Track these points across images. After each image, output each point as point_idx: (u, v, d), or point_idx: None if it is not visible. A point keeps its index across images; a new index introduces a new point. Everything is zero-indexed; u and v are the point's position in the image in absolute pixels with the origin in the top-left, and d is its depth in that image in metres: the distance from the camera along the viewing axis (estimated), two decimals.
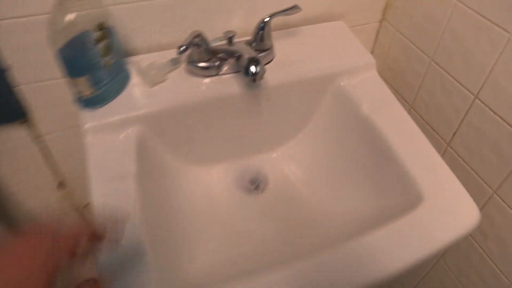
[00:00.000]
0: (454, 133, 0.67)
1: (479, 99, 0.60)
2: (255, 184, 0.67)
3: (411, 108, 0.76)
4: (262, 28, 0.60)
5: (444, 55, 0.65)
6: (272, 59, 0.65)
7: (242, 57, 0.55)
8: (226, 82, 0.62)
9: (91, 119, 0.56)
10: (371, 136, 0.61)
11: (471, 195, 0.53)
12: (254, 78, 0.53)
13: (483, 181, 0.63)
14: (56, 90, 0.62)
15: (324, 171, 0.68)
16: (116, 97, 0.58)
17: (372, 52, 0.83)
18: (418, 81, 0.72)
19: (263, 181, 0.69)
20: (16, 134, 0.66)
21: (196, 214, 0.62)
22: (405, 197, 0.55)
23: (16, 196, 0.74)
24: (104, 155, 0.55)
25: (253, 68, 0.53)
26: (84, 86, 0.54)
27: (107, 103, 0.58)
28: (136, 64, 0.61)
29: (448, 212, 0.51)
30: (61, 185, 0.76)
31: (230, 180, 0.69)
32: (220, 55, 0.61)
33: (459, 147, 0.67)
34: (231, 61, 0.61)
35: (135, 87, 0.61)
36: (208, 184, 0.67)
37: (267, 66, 0.64)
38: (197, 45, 0.58)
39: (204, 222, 0.62)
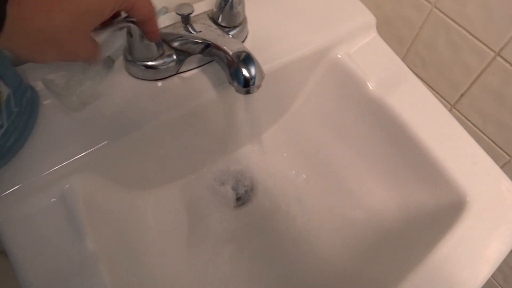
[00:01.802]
0: (462, 95, 0.57)
1: (501, 56, 0.49)
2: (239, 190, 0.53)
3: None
4: None
5: (453, 2, 0.51)
6: (245, 38, 0.46)
7: (219, 52, 0.36)
8: (191, 83, 0.42)
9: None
10: (383, 121, 0.48)
11: None
12: (248, 89, 0.35)
13: (500, 148, 0.56)
14: None
15: (319, 167, 0.54)
16: (23, 143, 0.36)
17: None
18: (412, 33, 0.59)
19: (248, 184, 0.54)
20: None
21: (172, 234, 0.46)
22: (441, 200, 0.45)
23: None
24: (38, 237, 0.35)
25: (246, 72, 0.34)
26: None
27: (12, 158, 0.36)
28: (44, 80, 0.38)
29: (496, 216, 0.43)
30: None
31: (208, 193, 0.53)
32: (175, 45, 0.40)
33: (467, 110, 0.57)
34: (196, 55, 0.41)
35: (52, 119, 0.38)
36: (183, 205, 0.50)
37: None
38: (129, 33, 0.37)
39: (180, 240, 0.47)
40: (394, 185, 0.49)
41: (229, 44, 0.35)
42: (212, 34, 0.38)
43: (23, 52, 0.28)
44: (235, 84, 0.34)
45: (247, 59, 0.34)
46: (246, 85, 0.34)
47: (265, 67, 0.45)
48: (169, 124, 0.42)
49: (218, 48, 0.35)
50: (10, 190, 0.34)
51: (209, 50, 0.38)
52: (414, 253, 0.41)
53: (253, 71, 0.34)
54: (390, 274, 0.41)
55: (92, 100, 0.39)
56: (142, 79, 0.41)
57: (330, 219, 0.52)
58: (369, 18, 0.50)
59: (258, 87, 0.35)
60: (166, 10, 0.44)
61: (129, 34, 0.37)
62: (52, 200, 0.36)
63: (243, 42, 0.45)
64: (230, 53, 0.34)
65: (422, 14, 0.56)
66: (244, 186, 0.55)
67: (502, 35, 0.48)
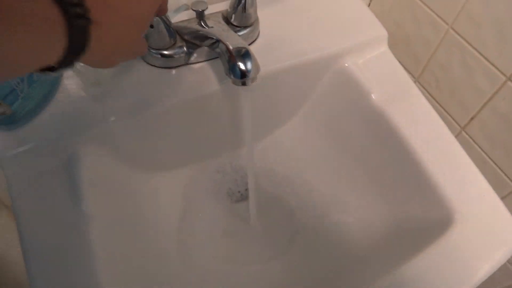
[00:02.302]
0: (472, 118, 0.56)
1: None
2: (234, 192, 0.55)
3: (417, 82, 0.64)
4: None
5: (469, 24, 0.52)
6: (256, 38, 0.48)
7: (222, 46, 0.39)
8: (199, 74, 0.46)
9: (6, 145, 0.39)
10: (383, 133, 0.49)
11: None
12: (245, 80, 0.37)
13: (506, 175, 0.55)
14: None
15: (317, 173, 0.56)
16: (43, 109, 0.41)
17: None
18: (428, 52, 0.59)
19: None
20: None
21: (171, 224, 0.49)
22: (430, 214, 0.45)
23: None
24: (41, 194, 0.39)
25: (242, 66, 0.37)
26: None
27: (31, 120, 0.40)
28: None
29: (485, 234, 0.42)
30: None
31: (207, 185, 0.56)
32: (187, 37, 0.44)
33: (477, 134, 0.57)
34: (204, 48, 0.44)
35: (71, 93, 0.43)
36: (179, 193, 0.53)
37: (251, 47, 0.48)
38: (150, 25, 0.41)
39: (180, 230, 0.49)
40: (385, 194, 0.49)
41: (231, 40, 0.38)
42: (219, 30, 0.41)
43: (95, 64, 0.29)
44: (231, 76, 0.37)
45: (244, 54, 0.37)
46: (242, 77, 0.37)
47: (272, 68, 0.48)
48: (176, 110, 0.46)
49: (221, 42, 0.38)
50: (23, 149, 0.39)
51: (216, 44, 0.41)
52: (390, 262, 0.41)
53: (249, 65, 0.37)
54: (363, 278, 0.42)
55: (107, 80, 0.43)
56: (155, 66, 0.45)
57: (322, 223, 0.53)
58: (381, 32, 0.52)
59: (254, 79, 0.37)
60: (186, 7, 0.48)
61: (150, 25, 0.41)
62: (58, 164, 0.40)
63: (253, 42, 0.48)
64: (230, 47, 0.37)
65: (439, 34, 0.56)
66: (244, 183, 0.57)
67: None
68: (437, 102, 0.61)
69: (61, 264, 0.36)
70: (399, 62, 0.63)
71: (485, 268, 0.41)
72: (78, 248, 0.37)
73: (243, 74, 0.37)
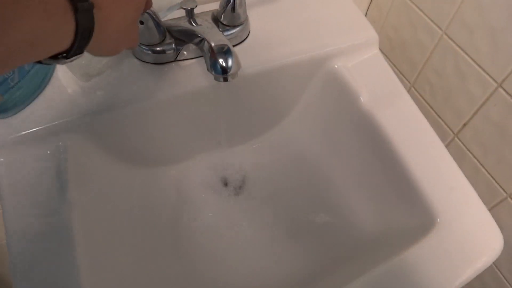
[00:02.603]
0: (465, 124, 0.56)
1: (503, 88, 0.49)
2: (229, 184, 0.55)
3: (412, 87, 0.63)
4: None
5: (462, 30, 0.51)
6: (246, 37, 0.49)
7: (205, 43, 0.40)
8: (188, 71, 0.47)
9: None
10: (371, 136, 0.49)
11: (480, 195, 0.44)
12: (226, 76, 0.38)
13: (498, 184, 0.54)
14: None
15: (308, 174, 0.56)
16: (34, 99, 0.42)
17: (365, 15, 0.68)
18: (423, 57, 0.59)
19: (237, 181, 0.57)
20: None
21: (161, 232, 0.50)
22: (413, 218, 0.45)
23: None
24: (27, 180, 0.40)
25: (223, 62, 0.38)
26: None
27: (22, 109, 0.42)
28: None
29: (468, 240, 0.42)
30: None
31: (198, 181, 0.57)
32: (175, 34, 0.45)
33: (469, 141, 0.56)
34: (191, 45, 0.45)
35: (62, 84, 0.44)
36: (171, 189, 0.54)
37: (240, 47, 0.49)
38: (140, 22, 0.42)
39: (170, 241, 0.50)
40: (372, 196, 0.49)
41: (214, 37, 0.39)
42: (204, 28, 0.42)
43: (100, 52, 0.30)
44: (213, 72, 0.38)
45: (226, 51, 0.38)
46: (222, 73, 0.38)
47: (261, 67, 0.49)
48: (164, 105, 0.47)
49: (205, 39, 0.39)
50: (12, 137, 0.40)
51: (202, 42, 0.42)
52: (373, 263, 0.41)
53: (229, 61, 0.37)
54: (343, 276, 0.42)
55: (97, 73, 0.44)
56: (144, 61, 0.46)
57: (310, 223, 0.53)
58: (372, 35, 0.52)
59: (234, 76, 0.38)
60: (179, 6, 0.49)
61: (140, 22, 0.43)
62: (47, 152, 0.42)
63: (243, 41, 0.49)
64: (212, 44, 0.38)
65: (434, 40, 0.56)
66: (235, 180, 0.58)
67: (504, 66, 0.48)
68: (431, 108, 0.61)
69: (42, 248, 0.37)
70: (396, 67, 0.63)
71: (467, 273, 0.40)
72: (59, 234, 0.38)
73: (224, 70, 0.38)
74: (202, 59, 0.47)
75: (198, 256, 0.51)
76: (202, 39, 0.41)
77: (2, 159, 0.41)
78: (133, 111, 0.45)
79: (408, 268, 0.40)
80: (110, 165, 0.48)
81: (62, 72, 0.45)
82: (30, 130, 0.41)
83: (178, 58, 0.46)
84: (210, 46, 0.38)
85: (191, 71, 0.47)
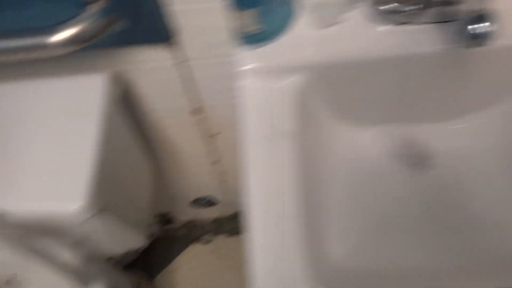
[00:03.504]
0: None
1: None
2: (419, 159, 0.56)
3: None
4: None
5: None
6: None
7: (456, 6, 0.40)
8: (423, 35, 0.47)
9: (251, 60, 0.48)
10: None
11: None
12: (480, 41, 0.38)
13: None
14: (210, 16, 0.54)
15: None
16: (279, 36, 0.49)
17: None
18: None
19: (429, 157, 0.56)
20: (158, 55, 0.62)
21: (346, 184, 0.54)
22: None
23: (148, 116, 0.74)
24: (261, 104, 0.47)
25: (477, 27, 0.38)
26: (251, 20, 0.45)
27: (270, 43, 0.48)
28: None
29: None
30: (196, 111, 0.72)
31: (390, 150, 0.58)
32: None
33: None
34: (432, 10, 0.45)
35: (302, 27, 0.49)
36: (363, 150, 0.57)
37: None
38: None
39: (352, 194, 0.54)
40: None
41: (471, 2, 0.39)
42: None
43: None
44: (468, 35, 0.38)
45: (485, 15, 0.38)
46: (476, 37, 0.38)
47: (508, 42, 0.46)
48: (386, 65, 0.48)
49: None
50: (257, 65, 0.48)
51: (451, 5, 0.42)
52: None
53: (487, 27, 0.37)
54: None
55: (331, 23, 0.48)
56: (379, 21, 0.49)
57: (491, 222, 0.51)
58: None
59: (486, 43, 0.38)
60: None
61: None
62: (281, 85, 0.48)
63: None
64: (467, 8, 0.38)
65: None
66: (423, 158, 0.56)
67: None
68: None
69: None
70: None
71: None
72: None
73: (476, 35, 0.38)
74: (439, 26, 0.47)
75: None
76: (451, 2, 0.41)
77: (247, 83, 0.48)
78: (360, 67, 0.48)
79: None
80: (325, 118, 0.53)
81: (302, 17, 0.50)
82: (273, 63, 0.48)
83: (415, 21, 0.47)
84: (470, 9, 0.38)
85: (427, 36, 0.47)
